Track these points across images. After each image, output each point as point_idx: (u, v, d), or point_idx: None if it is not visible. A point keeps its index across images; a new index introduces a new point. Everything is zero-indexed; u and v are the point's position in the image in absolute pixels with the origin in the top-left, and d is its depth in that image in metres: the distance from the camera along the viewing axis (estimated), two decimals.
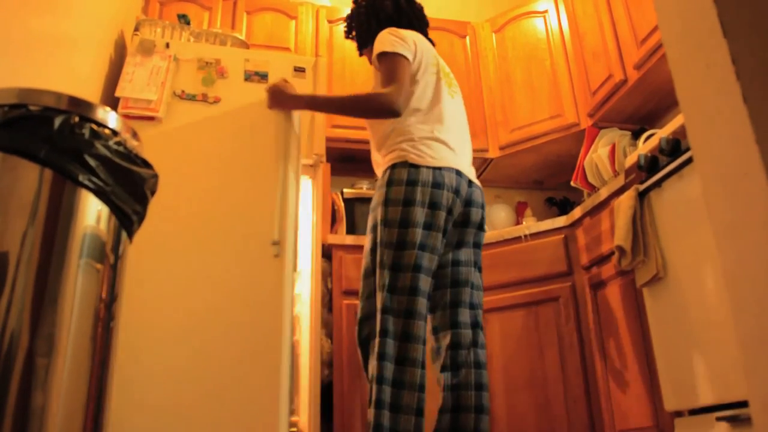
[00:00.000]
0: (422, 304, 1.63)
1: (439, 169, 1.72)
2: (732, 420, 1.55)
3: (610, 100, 2.79)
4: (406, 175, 1.70)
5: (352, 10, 2.10)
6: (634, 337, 2.07)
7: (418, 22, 2.04)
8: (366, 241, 1.80)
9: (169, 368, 1.73)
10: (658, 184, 1.92)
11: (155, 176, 0.96)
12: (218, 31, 2.63)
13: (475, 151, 3.23)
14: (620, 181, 2.17)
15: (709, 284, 1.69)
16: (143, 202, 0.95)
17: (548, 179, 3.57)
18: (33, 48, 1.59)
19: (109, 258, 0.88)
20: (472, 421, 1.63)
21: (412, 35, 1.90)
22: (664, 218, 1.90)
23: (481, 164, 3.35)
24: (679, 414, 1.82)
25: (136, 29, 2.57)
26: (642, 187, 1.98)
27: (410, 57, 1.82)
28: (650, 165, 1.96)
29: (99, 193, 0.84)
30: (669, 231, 1.88)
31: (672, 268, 1.85)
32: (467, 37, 3.50)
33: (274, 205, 1.89)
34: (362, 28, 2.04)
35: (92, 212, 0.84)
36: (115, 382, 0.91)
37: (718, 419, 1.59)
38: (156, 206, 1.87)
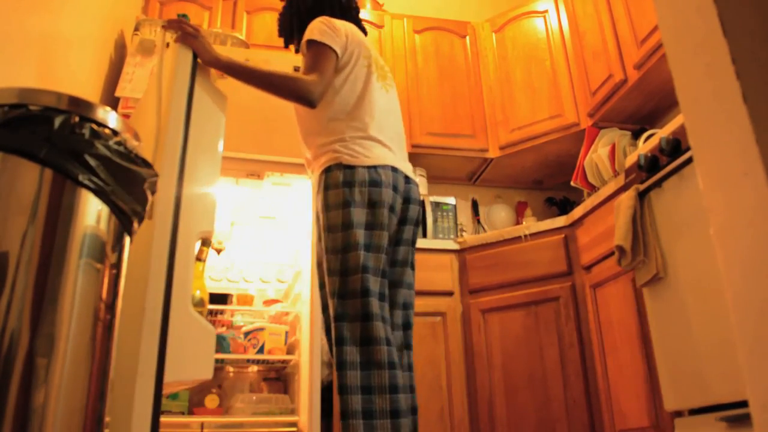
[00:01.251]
0: (376, 305, 1.56)
1: (374, 167, 1.67)
2: (732, 420, 1.55)
3: (610, 100, 2.79)
4: (341, 177, 1.64)
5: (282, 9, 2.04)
6: (634, 337, 2.07)
7: (342, 10, 1.95)
8: (314, 252, 1.75)
9: None
10: (658, 184, 1.92)
11: (155, 176, 0.96)
12: (218, 31, 2.64)
13: (475, 150, 3.24)
14: (620, 181, 2.17)
15: (709, 284, 1.69)
16: (143, 201, 0.95)
17: (548, 179, 3.57)
18: (33, 48, 1.59)
19: (109, 258, 0.88)
20: (411, 423, 1.61)
21: (344, 26, 1.84)
22: (664, 218, 1.90)
23: (481, 164, 3.35)
24: (679, 414, 1.82)
25: (136, 29, 2.57)
26: (642, 187, 1.98)
27: (339, 50, 1.76)
28: (650, 165, 1.96)
29: (99, 193, 0.84)
30: (669, 231, 1.88)
31: (672, 268, 1.85)
32: (467, 37, 3.50)
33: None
34: (285, 25, 1.98)
35: (92, 212, 0.84)
36: None
37: (718, 419, 1.59)
38: None
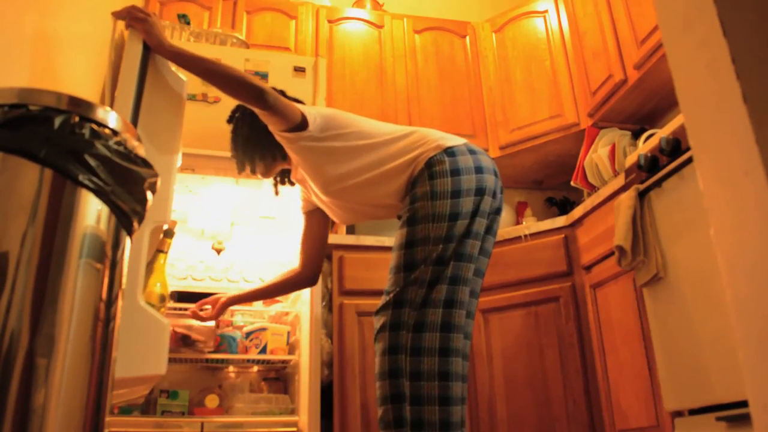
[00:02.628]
0: (466, 293, 1.63)
1: (471, 147, 1.72)
2: (732, 420, 1.55)
3: (610, 100, 2.79)
4: (447, 165, 1.64)
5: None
6: (634, 337, 2.07)
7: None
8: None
9: None
10: (658, 184, 1.92)
11: (155, 176, 0.96)
12: (218, 31, 2.64)
13: None
14: (620, 181, 2.17)
15: (709, 284, 1.69)
16: (143, 201, 0.95)
17: (548, 179, 3.56)
18: (33, 48, 1.59)
19: (109, 258, 0.88)
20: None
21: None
22: (664, 218, 1.90)
23: None
24: (679, 414, 1.82)
25: None
26: (642, 187, 1.98)
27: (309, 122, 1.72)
28: (650, 165, 1.96)
29: (99, 193, 0.84)
30: (669, 231, 1.88)
31: (672, 268, 1.85)
32: (467, 37, 3.50)
33: None
34: (234, 153, 1.91)
35: (92, 212, 0.84)
36: None
37: (718, 419, 1.59)
38: None
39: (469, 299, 1.61)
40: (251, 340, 2.29)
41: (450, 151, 1.66)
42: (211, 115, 2.29)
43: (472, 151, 1.70)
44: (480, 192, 1.63)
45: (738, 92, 0.56)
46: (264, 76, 2.39)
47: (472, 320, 1.65)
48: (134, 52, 1.54)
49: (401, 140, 1.75)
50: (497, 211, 1.72)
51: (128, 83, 1.50)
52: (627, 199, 2.00)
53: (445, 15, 3.76)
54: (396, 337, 1.53)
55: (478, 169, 1.65)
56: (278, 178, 2.01)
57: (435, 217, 1.59)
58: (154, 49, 1.57)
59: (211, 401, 2.20)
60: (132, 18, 1.56)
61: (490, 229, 1.70)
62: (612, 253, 2.14)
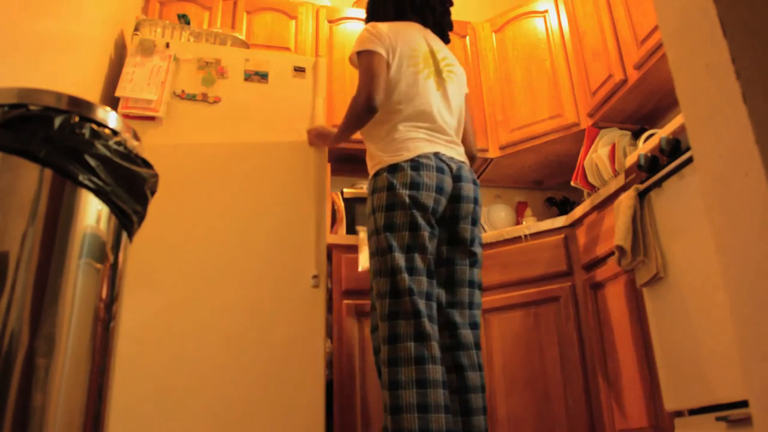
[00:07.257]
0: (422, 304, 1.71)
1: (416, 160, 1.79)
2: (732, 420, 1.55)
3: (610, 100, 2.79)
4: (386, 180, 1.78)
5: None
6: (634, 337, 2.07)
7: (413, 9, 2.10)
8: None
9: (208, 396, 1.88)
10: (658, 184, 1.92)
11: (155, 176, 0.96)
12: (218, 31, 2.63)
13: None
14: (620, 181, 2.17)
15: (709, 284, 1.69)
16: (143, 201, 0.95)
17: (548, 179, 3.57)
18: (33, 48, 1.59)
19: (109, 258, 0.88)
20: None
21: (392, 29, 1.97)
22: (664, 218, 1.90)
23: (481, 164, 3.35)
24: (679, 414, 1.82)
25: (136, 29, 2.57)
26: (642, 187, 1.98)
27: (382, 51, 1.89)
28: (650, 165, 1.96)
29: (99, 193, 0.84)
30: (669, 231, 1.88)
31: (672, 268, 1.85)
32: (467, 37, 3.50)
33: (312, 240, 2.17)
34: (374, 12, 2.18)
35: (92, 212, 0.84)
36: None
37: (718, 419, 1.59)
38: (169, 209, 1.98)
39: (426, 307, 1.70)
40: None
41: (392, 167, 1.78)
42: (212, 115, 2.29)
43: (416, 167, 1.77)
44: (415, 206, 1.73)
45: (738, 92, 0.56)
46: (264, 76, 2.39)
47: (436, 326, 1.75)
48: (322, 161, 2.32)
49: (393, 130, 1.87)
50: (455, 220, 1.83)
51: (322, 188, 2.28)
52: (627, 199, 2.00)
53: None
54: (393, 349, 1.66)
55: (414, 186, 1.74)
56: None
57: (377, 230, 1.73)
58: (331, 145, 2.21)
59: None
60: (317, 137, 2.24)
61: (456, 238, 1.84)
62: (612, 253, 2.14)
